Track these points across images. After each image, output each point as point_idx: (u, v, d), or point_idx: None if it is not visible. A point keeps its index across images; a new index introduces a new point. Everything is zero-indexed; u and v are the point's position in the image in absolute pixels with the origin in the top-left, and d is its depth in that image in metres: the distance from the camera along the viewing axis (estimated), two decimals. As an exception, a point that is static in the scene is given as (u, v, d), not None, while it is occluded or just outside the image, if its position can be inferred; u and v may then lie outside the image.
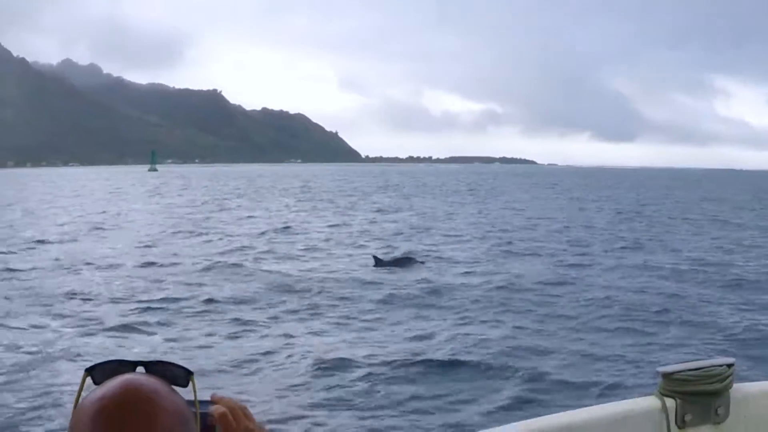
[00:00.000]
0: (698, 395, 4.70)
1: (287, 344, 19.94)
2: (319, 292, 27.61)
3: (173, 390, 1.93)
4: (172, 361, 2.04)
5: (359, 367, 17.64)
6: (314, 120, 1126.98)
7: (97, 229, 52.89)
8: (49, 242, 44.39)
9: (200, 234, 49.46)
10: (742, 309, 24.54)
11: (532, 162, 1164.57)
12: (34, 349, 18.81)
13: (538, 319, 22.82)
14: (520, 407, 14.67)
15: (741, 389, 4.88)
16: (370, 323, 22.56)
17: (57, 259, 36.28)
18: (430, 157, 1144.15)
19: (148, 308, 24.47)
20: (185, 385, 2.00)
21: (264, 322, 22.75)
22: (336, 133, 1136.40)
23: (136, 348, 19.09)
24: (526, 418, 4.68)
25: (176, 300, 25.98)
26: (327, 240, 46.68)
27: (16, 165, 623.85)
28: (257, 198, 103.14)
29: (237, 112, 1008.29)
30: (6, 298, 26.27)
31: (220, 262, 35.34)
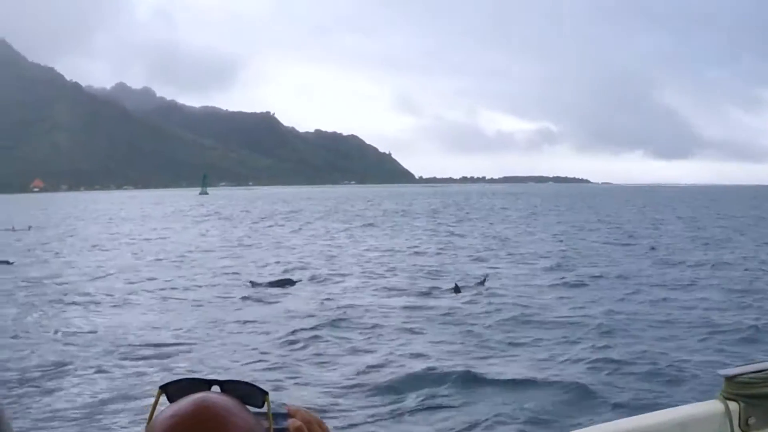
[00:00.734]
0: (762, 398, 4.60)
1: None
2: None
3: (246, 409, 1.92)
4: (248, 380, 2.02)
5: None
6: (367, 141, 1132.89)
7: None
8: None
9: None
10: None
11: (586, 181, 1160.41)
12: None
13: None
14: (580, 415, 14.57)
15: None
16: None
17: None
18: (484, 177, 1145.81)
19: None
20: (260, 406, 1.98)
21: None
22: (389, 153, 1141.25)
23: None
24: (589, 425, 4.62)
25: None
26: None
27: (70, 189, 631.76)
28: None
29: (290, 134, 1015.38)
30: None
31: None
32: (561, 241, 62.94)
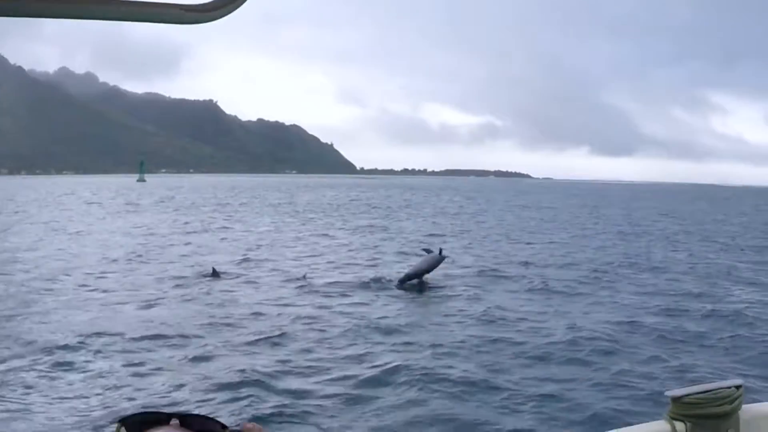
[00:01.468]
0: (708, 418, 4.72)
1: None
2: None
3: None
4: (207, 414, 2.00)
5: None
6: (310, 131, 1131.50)
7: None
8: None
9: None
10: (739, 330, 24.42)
11: (527, 176, 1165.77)
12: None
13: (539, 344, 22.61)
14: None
15: (750, 410, 4.90)
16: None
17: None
18: (425, 170, 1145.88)
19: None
20: None
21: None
22: (331, 144, 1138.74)
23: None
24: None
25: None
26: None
27: (10, 173, 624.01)
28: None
29: (232, 122, 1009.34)
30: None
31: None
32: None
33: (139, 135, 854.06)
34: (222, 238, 54.99)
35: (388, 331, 23.11)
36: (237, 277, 34.68)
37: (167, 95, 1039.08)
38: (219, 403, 15.57)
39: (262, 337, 21.88)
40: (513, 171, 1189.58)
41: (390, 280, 33.61)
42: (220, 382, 17.34)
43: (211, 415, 1.99)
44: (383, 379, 17.76)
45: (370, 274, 35.77)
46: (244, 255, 43.09)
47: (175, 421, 1.94)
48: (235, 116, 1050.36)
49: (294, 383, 17.31)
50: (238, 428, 2.07)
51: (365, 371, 18.43)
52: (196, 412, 2.08)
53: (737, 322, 25.29)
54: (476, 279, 34.73)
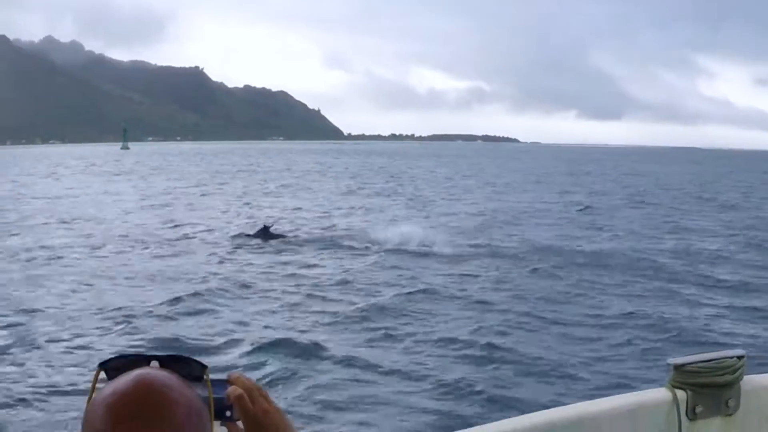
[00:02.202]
0: (709, 387, 4.71)
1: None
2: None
3: (186, 384, 1.92)
4: (187, 355, 2.02)
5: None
6: (297, 97, 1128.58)
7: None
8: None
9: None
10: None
11: (515, 140, 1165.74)
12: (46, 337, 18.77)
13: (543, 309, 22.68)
14: (528, 400, 14.55)
15: (751, 381, 4.88)
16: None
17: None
18: (413, 135, 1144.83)
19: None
20: (200, 379, 2.01)
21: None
22: (318, 110, 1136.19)
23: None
24: (536, 410, 4.67)
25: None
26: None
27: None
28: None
29: (219, 89, 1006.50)
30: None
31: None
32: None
33: (125, 103, 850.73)
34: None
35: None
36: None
37: (153, 63, 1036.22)
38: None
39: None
40: (501, 135, 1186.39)
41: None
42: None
43: (191, 356, 2.03)
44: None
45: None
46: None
47: (154, 363, 1.96)
48: (222, 83, 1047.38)
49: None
50: (223, 378, 2.13)
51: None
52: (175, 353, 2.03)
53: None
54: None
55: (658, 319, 20.73)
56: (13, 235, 38.49)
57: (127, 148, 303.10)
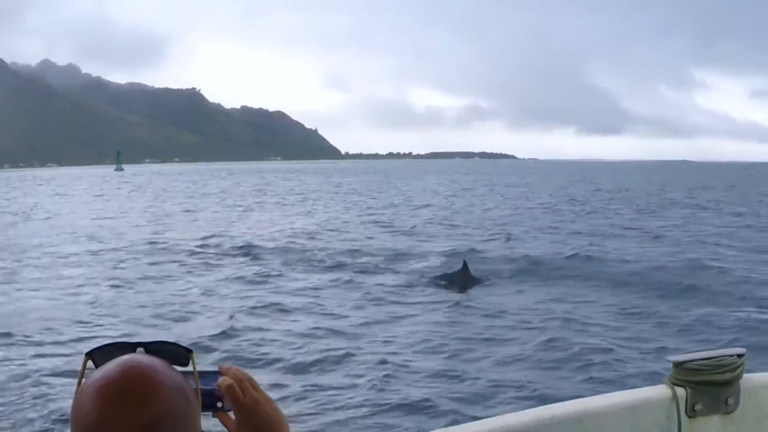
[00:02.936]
0: (709, 385, 4.72)
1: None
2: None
3: (172, 368, 1.97)
4: (171, 340, 2.07)
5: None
6: (294, 117, 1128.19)
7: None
8: None
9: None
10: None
11: (513, 156, 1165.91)
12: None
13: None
14: (529, 395, 14.60)
15: (751, 379, 4.89)
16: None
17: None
18: (410, 153, 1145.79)
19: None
20: (185, 364, 2.05)
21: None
22: (316, 129, 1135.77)
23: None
24: (537, 406, 4.71)
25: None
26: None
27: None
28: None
29: (216, 110, 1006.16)
30: None
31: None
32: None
33: (123, 125, 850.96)
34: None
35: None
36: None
37: (150, 85, 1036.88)
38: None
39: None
40: (498, 152, 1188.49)
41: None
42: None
43: (176, 342, 2.07)
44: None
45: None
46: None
47: (140, 350, 2.01)
48: (219, 104, 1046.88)
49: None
50: (214, 369, 2.17)
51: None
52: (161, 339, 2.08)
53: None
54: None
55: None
56: None
57: (122, 170, 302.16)
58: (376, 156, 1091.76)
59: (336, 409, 14.37)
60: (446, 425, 5.86)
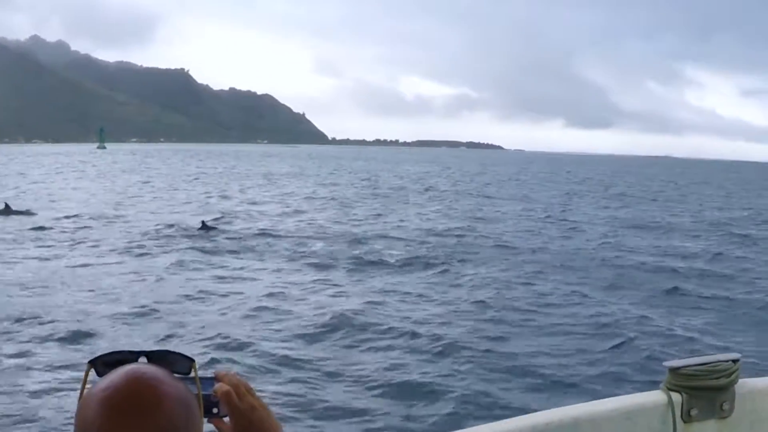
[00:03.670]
0: (704, 390, 4.72)
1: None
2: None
3: (175, 377, 1.99)
4: (174, 350, 2.09)
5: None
6: (282, 101, 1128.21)
7: None
8: None
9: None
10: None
11: (499, 147, 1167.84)
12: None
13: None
14: (525, 402, 14.55)
15: (746, 384, 4.90)
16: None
17: None
18: (397, 140, 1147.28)
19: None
20: (187, 373, 2.06)
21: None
22: (303, 114, 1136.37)
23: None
24: (532, 411, 4.71)
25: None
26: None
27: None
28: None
29: (204, 91, 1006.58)
30: None
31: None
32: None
33: (111, 104, 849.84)
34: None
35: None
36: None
37: (139, 64, 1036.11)
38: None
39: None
40: (485, 142, 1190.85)
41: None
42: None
43: (177, 351, 2.09)
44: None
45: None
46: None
47: (142, 359, 2.02)
48: (207, 85, 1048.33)
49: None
50: (210, 375, 2.19)
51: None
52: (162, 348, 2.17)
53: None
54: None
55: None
56: None
57: (104, 148, 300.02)
58: (363, 142, 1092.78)
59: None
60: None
